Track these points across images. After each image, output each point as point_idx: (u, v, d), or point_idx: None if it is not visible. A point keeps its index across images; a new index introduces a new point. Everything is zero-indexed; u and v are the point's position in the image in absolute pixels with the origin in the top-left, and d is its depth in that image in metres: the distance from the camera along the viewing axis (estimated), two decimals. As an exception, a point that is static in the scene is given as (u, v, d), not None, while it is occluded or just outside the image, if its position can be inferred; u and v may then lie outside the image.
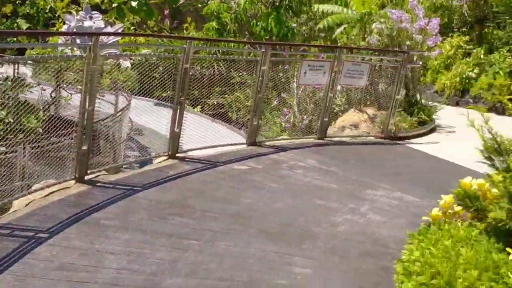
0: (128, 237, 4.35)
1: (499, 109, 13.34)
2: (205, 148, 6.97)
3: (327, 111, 8.18)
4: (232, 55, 11.98)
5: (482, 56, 14.32)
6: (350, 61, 8.16)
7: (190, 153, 6.88)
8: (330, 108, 8.27)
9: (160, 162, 6.35)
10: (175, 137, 6.48)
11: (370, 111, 9.20)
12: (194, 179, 5.86)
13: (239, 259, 4.18)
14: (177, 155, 6.56)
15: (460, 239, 3.75)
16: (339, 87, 8.85)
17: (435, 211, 4.45)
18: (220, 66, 12.83)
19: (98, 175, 5.71)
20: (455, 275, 3.17)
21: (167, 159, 6.47)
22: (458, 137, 9.65)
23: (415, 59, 9.70)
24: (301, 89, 9.31)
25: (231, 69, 11.23)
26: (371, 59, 9.23)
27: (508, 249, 3.09)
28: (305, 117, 9.30)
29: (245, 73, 10.73)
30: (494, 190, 4.13)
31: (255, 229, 4.75)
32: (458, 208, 4.40)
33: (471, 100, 14.08)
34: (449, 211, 4.50)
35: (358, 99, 9.32)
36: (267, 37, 14.86)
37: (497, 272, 3.06)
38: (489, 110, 13.46)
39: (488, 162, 3.55)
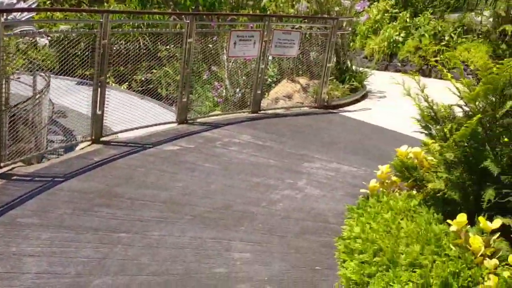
0: (49, 236, 3.95)
1: (425, 72, 13.67)
2: (132, 129, 6.54)
3: (260, 83, 7.94)
4: (157, 27, 11.41)
5: (407, 20, 14.52)
6: (280, 30, 7.92)
7: (116, 136, 6.46)
8: (262, 80, 8.03)
9: (83, 148, 5.89)
10: (97, 120, 6.02)
11: (303, 80, 9.05)
12: (121, 165, 5.47)
13: (173, 249, 3.91)
14: (102, 139, 6.11)
15: (399, 211, 3.66)
16: (270, 57, 8.61)
17: (373, 183, 4.36)
18: (146, 40, 12.22)
19: (14, 167, 5.20)
20: (398, 251, 3.06)
21: (91, 144, 6.01)
22: (389, 103, 9.74)
23: (344, 25, 9.60)
24: (232, 61, 8.98)
25: (158, 43, 10.67)
26: (301, 27, 9.03)
27: (448, 220, 3.00)
28: (237, 90, 9.01)
29: (172, 46, 10.21)
30: (430, 158, 4.08)
31: (190, 215, 4.48)
32: (395, 178, 4.33)
33: (399, 64, 14.31)
34: (386, 181, 4.43)
35: (291, 69, 9.13)
36: (193, 7, 14.28)
37: (439, 244, 2.98)
38: (416, 72, 13.77)
39: (426, 132, 3.44)
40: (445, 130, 3.27)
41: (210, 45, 8.89)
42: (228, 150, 6.21)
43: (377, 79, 11.01)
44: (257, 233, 4.27)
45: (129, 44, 12.30)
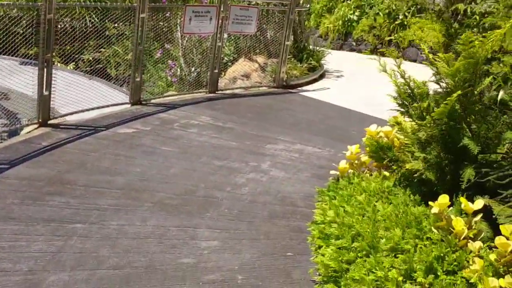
0: (-5, 229, 3.59)
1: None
2: (82, 111, 6.12)
3: (217, 62, 7.64)
4: (106, 2, 10.79)
5: (361, -2, 14.49)
6: (237, 6, 7.62)
7: (65, 119, 6.03)
8: (220, 58, 7.73)
9: (29, 132, 5.44)
10: (44, 101, 5.58)
11: (261, 59, 8.81)
12: (73, 149, 5.08)
13: (135, 240, 3.63)
14: (50, 122, 5.68)
15: (373, 193, 3.53)
16: (225, 35, 8.30)
17: (343, 164, 4.22)
18: (92, 17, 11.57)
19: (-48, 155, 4.73)
20: (377, 235, 2.92)
21: (38, 127, 5.57)
22: (347, 82, 9.68)
23: (301, 2, 9.39)
24: (186, 39, 8.60)
25: (106, 20, 10.12)
26: (257, 3, 8.74)
27: (430, 203, 2.88)
28: (192, 69, 8.67)
29: (121, 23, 9.69)
30: (401, 137, 3.97)
31: (150, 202, 4.19)
32: (364, 158, 4.21)
33: (354, 43, 14.29)
34: (356, 162, 4.30)
35: (248, 47, 8.85)
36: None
37: (420, 228, 2.85)
38: (371, 52, 13.80)
39: (402, 109, 3.29)
40: (422, 107, 3.13)
41: (161, 22, 8.49)
42: (187, 132, 5.92)
43: (333, 58, 10.90)
44: (223, 219, 4.05)
45: (75, 22, 11.64)
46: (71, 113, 6.04)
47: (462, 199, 2.84)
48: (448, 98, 2.90)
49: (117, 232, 3.70)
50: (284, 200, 4.50)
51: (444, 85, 3.20)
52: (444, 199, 2.81)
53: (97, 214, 3.93)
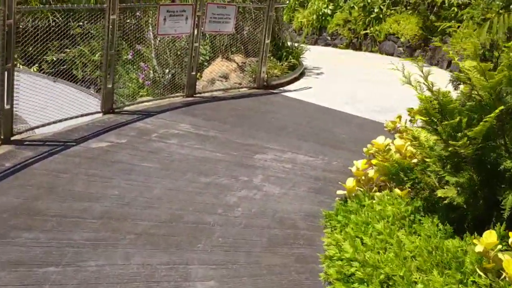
0: (-50, 279, 3.01)
1: (356, 45, 13.38)
2: (49, 124, 5.50)
3: (195, 63, 7.10)
4: (71, 2, 10.10)
5: (335, -8, 14.09)
6: (215, 4, 7.09)
7: (31, 132, 5.41)
8: (197, 60, 7.19)
9: (-11, 152, 4.81)
10: (6, 116, 4.95)
11: (239, 58, 8.30)
12: (41, 170, 4.48)
13: (118, 285, 3.10)
14: (13, 138, 5.06)
15: (392, 220, 3.10)
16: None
17: (350, 182, 3.79)
18: (56, 17, 10.81)
19: None
20: (411, 279, 2.48)
21: (0, 145, 4.94)
22: (327, 80, 9.31)
23: (279, -3, 8.91)
24: (159, 39, 8.02)
25: (70, 19, 9.45)
26: (235, 0, 8.23)
27: (475, 240, 2.46)
28: (166, 71, 8.09)
29: (87, 22, 9.05)
30: (411, 149, 3.57)
31: (133, 233, 3.66)
32: (372, 174, 3.80)
33: (329, 38, 13.93)
34: (363, 178, 3.88)
35: (225, 47, 8.33)
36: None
37: (463, 271, 2.43)
38: (347, 46, 13.45)
39: (430, 127, 2.86)
40: (453, 124, 2.71)
41: (129, 20, 7.88)
42: (167, 144, 5.38)
43: (310, 54, 10.47)
44: (218, 251, 3.56)
45: (38, 22, 10.85)
46: (37, 127, 5.43)
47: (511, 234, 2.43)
48: (489, 116, 2.48)
49: (97, 276, 3.16)
50: (283, 222, 4.04)
51: (475, 95, 2.79)
52: (491, 237, 2.39)
53: (72, 252, 3.38)
